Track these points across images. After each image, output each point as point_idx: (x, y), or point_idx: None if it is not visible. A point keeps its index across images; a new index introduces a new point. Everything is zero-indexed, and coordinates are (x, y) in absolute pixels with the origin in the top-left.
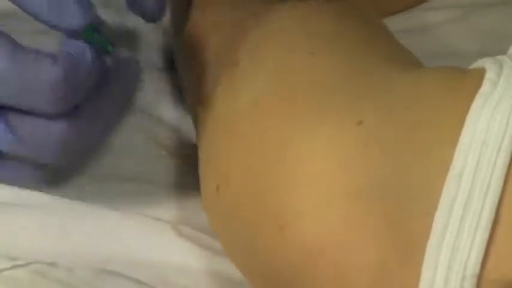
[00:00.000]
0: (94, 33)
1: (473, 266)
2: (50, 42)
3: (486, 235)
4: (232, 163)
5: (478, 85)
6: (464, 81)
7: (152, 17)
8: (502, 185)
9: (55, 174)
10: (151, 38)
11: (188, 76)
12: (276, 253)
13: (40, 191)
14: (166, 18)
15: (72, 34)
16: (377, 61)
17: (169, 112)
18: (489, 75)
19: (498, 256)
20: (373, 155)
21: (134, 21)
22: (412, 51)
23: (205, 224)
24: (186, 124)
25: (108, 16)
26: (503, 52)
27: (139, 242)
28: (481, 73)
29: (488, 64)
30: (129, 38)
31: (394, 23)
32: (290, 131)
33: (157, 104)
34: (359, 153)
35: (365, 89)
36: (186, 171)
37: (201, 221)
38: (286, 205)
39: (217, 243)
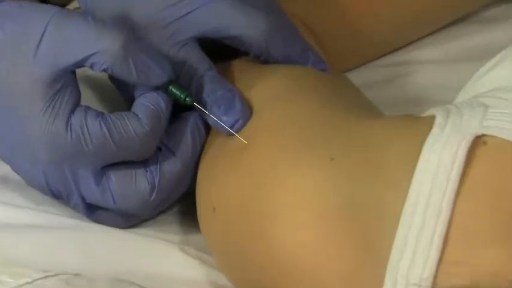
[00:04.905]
0: (170, 86)
1: (426, 279)
2: None
3: (437, 255)
4: (229, 188)
5: (430, 128)
6: (417, 126)
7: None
8: (451, 210)
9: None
10: None
11: None
12: (262, 266)
13: (72, 218)
14: None
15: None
16: (342, 110)
17: None
18: (438, 120)
19: (447, 272)
20: (343, 185)
21: None
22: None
23: (204, 245)
24: None
25: None
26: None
27: (151, 259)
28: (431, 119)
29: (436, 112)
30: None
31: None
32: (277, 166)
33: None
34: (332, 184)
35: (333, 131)
36: (189, 206)
37: (201, 243)
38: (272, 226)
39: (214, 259)
